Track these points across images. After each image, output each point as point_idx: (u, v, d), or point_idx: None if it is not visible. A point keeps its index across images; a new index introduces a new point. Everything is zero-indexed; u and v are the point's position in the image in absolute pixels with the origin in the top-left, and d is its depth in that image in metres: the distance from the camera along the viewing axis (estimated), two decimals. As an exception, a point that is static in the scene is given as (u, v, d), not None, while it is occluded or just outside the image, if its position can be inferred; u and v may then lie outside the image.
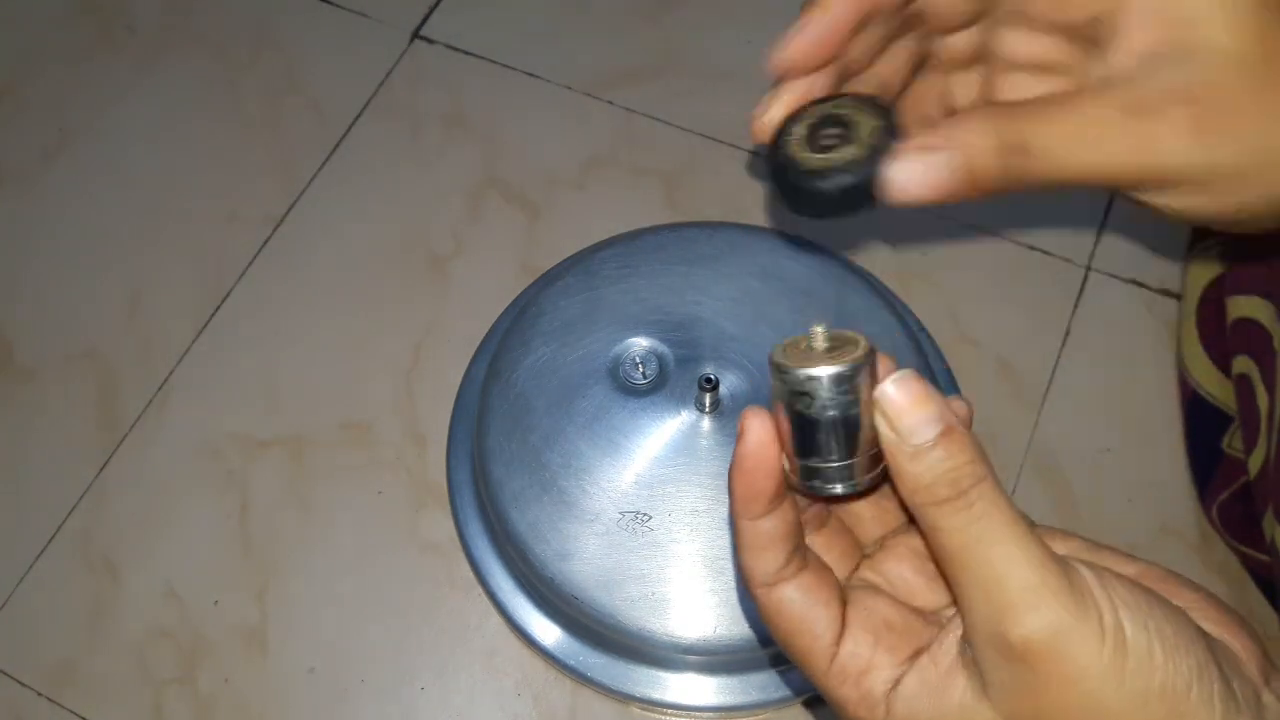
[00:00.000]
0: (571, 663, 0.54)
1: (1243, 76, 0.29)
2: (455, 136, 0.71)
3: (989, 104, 0.31)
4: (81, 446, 0.62)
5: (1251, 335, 0.51)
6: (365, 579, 0.58)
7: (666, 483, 0.52)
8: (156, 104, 0.73)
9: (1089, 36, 0.31)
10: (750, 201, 0.67)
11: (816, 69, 0.32)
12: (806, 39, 0.32)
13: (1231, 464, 0.54)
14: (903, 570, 0.31)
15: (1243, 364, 0.52)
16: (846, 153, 0.30)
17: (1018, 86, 0.35)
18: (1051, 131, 0.29)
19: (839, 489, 0.28)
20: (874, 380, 0.27)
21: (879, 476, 0.29)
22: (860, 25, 0.32)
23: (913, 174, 0.29)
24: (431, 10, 0.75)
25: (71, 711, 0.55)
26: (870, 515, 0.32)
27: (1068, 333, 0.62)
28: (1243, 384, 0.51)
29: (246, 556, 0.59)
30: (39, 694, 0.56)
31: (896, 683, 0.28)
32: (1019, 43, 0.34)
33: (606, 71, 0.72)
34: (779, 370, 0.28)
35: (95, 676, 0.56)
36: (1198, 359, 0.57)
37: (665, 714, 0.54)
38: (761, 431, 0.29)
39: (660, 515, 0.51)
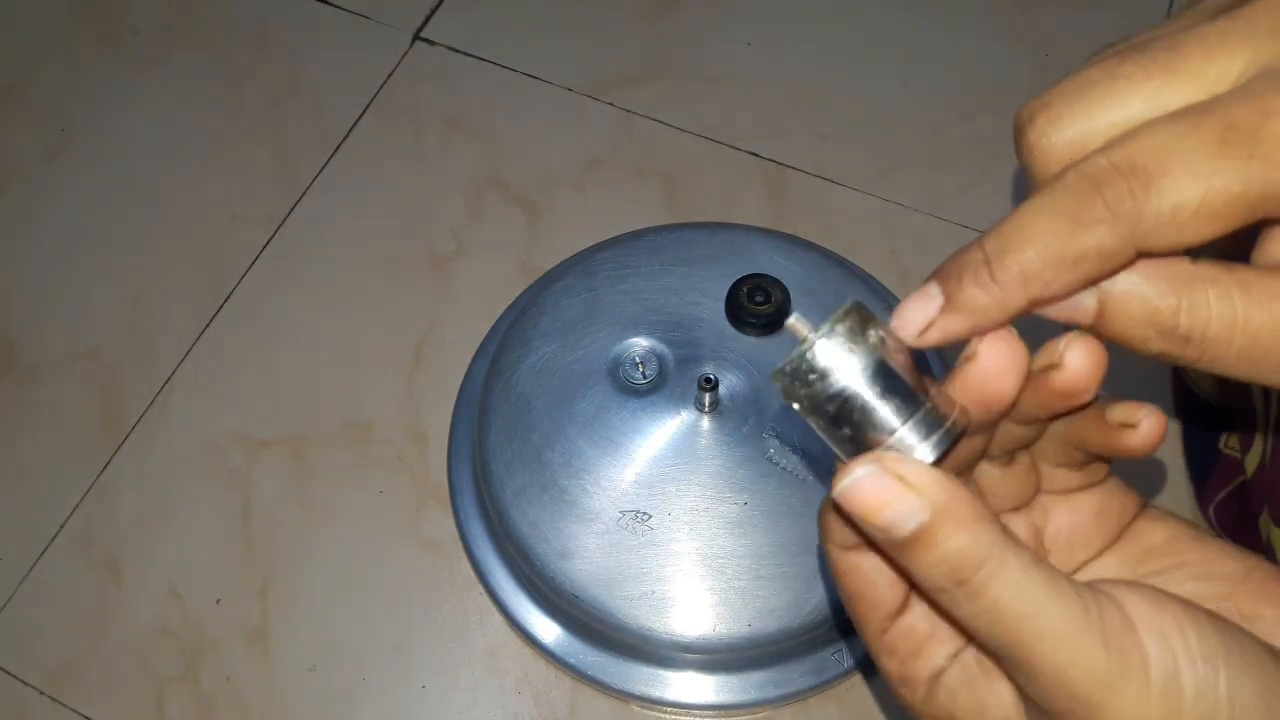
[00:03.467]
0: (572, 661, 0.54)
1: None
2: (456, 137, 0.71)
3: None
4: (84, 446, 0.62)
5: None
6: (366, 578, 0.58)
7: (666, 482, 0.52)
8: (159, 104, 0.73)
9: None
10: (750, 201, 0.68)
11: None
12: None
13: (1229, 464, 0.54)
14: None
15: (1240, 364, 0.52)
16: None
17: None
18: None
19: (943, 442, 0.24)
20: (879, 328, 0.24)
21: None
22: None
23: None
24: (433, 12, 0.76)
25: (74, 710, 0.56)
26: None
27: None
28: (1240, 384, 0.52)
29: (248, 555, 0.59)
30: (41, 693, 0.56)
31: (942, 670, 0.26)
32: None
33: (607, 73, 0.73)
34: (780, 377, 0.24)
35: (97, 675, 0.56)
36: (1195, 359, 0.57)
37: (665, 712, 0.54)
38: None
39: (660, 514, 0.52)
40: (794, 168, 0.69)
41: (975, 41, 0.73)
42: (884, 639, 0.27)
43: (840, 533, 0.26)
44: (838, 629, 0.53)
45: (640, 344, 0.55)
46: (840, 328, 0.24)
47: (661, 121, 0.71)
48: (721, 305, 0.55)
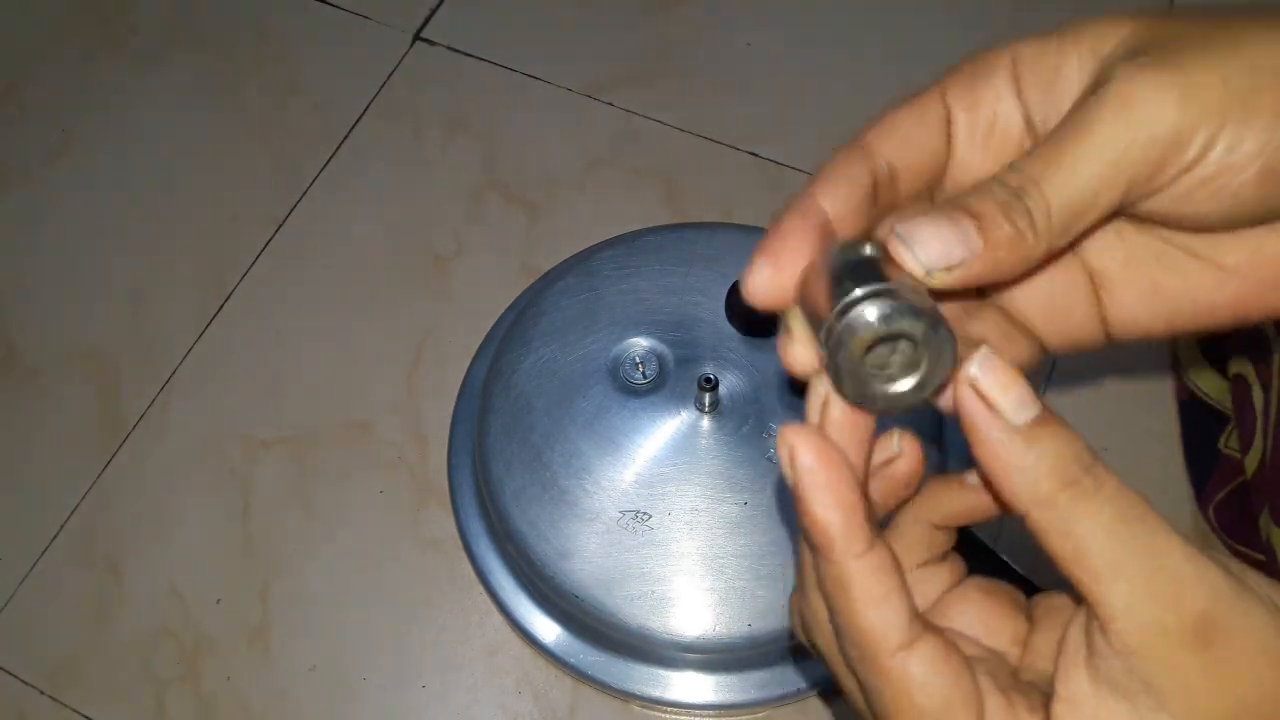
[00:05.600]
0: (572, 661, 0.54)
1: None
2: (456, 138, 0.71)
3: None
4: (84, 446, 0.62)
5: (1248, 335, 0.51)
6: (367, 577, 0.58)
7: (666, 482, 0.52)
8: (159, 105, 0.73)
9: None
10: (749, 202, 0.68)
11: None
12: (765, 279, 0.24)
13: (1228, 464, 0.54)
14: (969, 618, 0.27)
15: (1239, 364, 0.52)
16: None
17: None
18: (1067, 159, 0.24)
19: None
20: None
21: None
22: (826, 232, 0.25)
23: (935, 248, 0.23)
24: (433, 12, 0.76)
25: (74, 710, 0.56)
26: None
27: (1066, 333, 0.63)
28: (1239, 384, 0.52)
29: (248, 555, 0.59)
30: (42, 692, 0.56)
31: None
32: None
33: (607, 73, 0.73)
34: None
35: (98, 675, 0.56)
36: (1194, 359, 0.58)
37: (665, 712, 0.55)
38: (818, 443, 0.23)
39: (660, 514, 0.52)
40: (794, 168, 0.69)
41: (975, 41, 0.73)
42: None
43: (890, 625, 0.24)
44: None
45: (640, 344, 0.55)
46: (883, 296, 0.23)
47: (661, 121, 0.71)
48: (721, 305, 0.55)
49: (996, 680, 0.24)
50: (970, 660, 0.24)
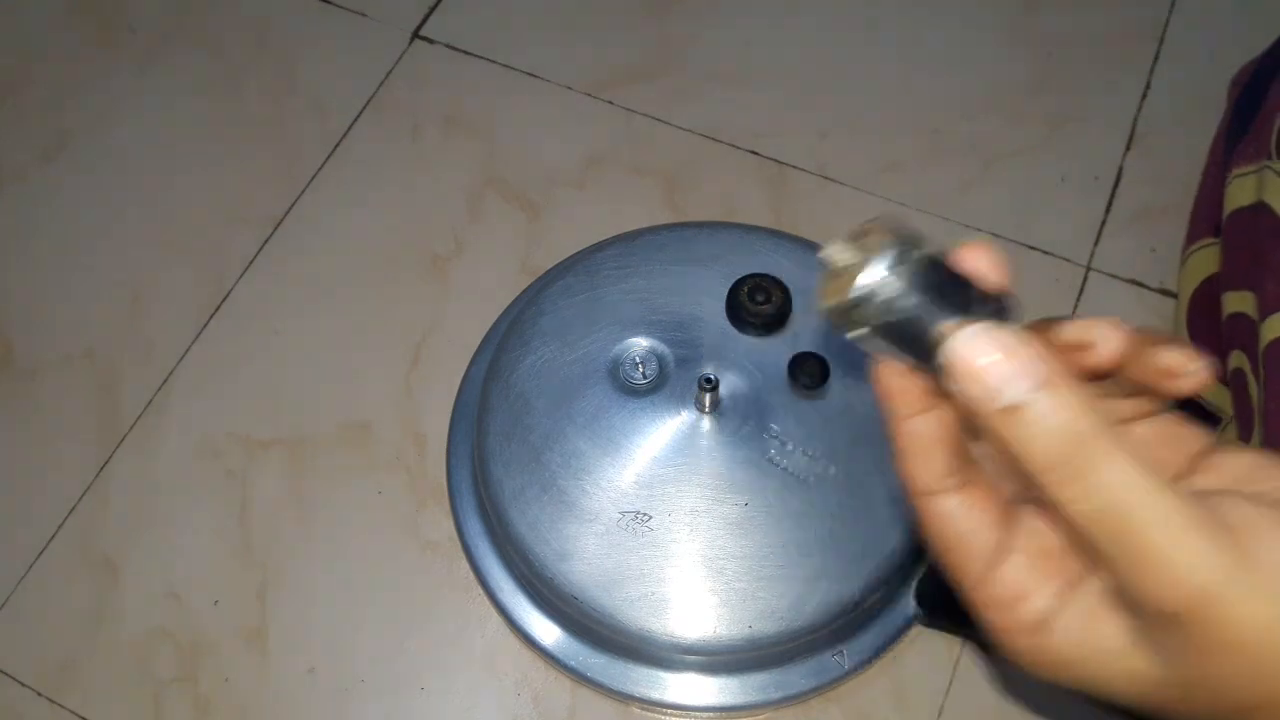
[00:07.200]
0: (571, 663, 0.54)
1: None
2: (455, 136, 0.71)
3: None
4: (82, 446, 0.62)
5: (1243, 329, 0.51)
6: (365, 579, 0.58)
7: (666, 483, 0.52)
8: (157, 104, 0.73)
9: None
10: (750, 201, 0.67)
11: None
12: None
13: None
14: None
15: (1238, 359, 0.51)
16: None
17: None
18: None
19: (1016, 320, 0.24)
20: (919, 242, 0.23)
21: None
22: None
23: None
24: (431, 10, 0.75)
25: (72, 711, 0.55)
26: None
27: (1068, 333, 0.62)
28: (1238, 379, 0.51)
29: (246, 556, 0.59)
30: (39, 694, 0.56)
31: (1049, 614, 0.25)
32: None
33: (607, 72, 0.72)
34: (841, 311, 0.23)
35: (95, 676, 0.56)
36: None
37: (665, 714, 0.54)
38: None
39: (660, 515, 0.51)
40: (794, 166, 0.68)
41: (977, 41, 0.73)
42: (985, 590, 0.26)
43: (921, 474, 0.26)
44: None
45: (640, 344, 0.55)
46: (892, 251, 0.23)
47: (661, 120, 0.71)
48: (721, 305, 0.55)
49: (1031, 544, 0.26)
50: (1012, 523, 0.26)
